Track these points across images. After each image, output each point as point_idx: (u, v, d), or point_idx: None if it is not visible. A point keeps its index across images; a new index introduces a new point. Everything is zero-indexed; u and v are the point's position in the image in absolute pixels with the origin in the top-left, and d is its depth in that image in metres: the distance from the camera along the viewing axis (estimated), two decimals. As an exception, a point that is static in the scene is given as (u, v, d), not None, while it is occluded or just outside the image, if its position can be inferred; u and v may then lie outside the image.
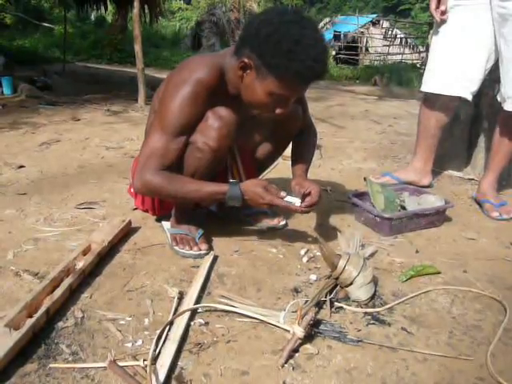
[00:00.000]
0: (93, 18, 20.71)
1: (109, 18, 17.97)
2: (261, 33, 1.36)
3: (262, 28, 1.36)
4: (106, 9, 10.10)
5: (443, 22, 2.32)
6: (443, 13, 2.29)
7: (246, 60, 1.41)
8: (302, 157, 1.87)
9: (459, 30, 2.28)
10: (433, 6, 2.30)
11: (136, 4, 5.34)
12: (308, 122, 1.91)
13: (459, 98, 2.36)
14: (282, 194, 1.56)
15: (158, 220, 1.91)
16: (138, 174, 1.53)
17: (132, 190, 1.87)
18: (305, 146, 1.90)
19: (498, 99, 2.22)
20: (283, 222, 1.97)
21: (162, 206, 1.83)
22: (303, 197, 1.64)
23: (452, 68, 2.33)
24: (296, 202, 1.58)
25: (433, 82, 2.42)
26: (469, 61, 2.29)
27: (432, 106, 2.47)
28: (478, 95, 2.44)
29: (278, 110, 1.50)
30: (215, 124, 1.52)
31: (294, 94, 1.48)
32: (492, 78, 2.40)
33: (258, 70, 1.41)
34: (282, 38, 1.33)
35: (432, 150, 2.58)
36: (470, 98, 2.35)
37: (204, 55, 1.72)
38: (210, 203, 1.65)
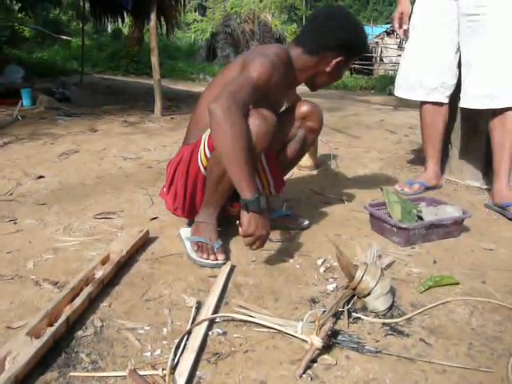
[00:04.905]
0: (109, 30, 21.04)
1: (125, 30, 18.23)
2: (352, 38, 1.80)
3: (352, 33, 1.80)
4: (122, 21, 10.18)
5: (407, 38, 2.58)
6: (405, 32, 2.55)
7: (341, 58, 1.80)
8: None
9: (422, 35, 2.50)
10: (396, 25, 2.58)
11: (153, 16, 5.42)
12: None
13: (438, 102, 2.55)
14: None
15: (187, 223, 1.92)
16: (224, 98, 1.48)
17: (164, 189, 1.88)
18: None
19: None
20: (306, 222, 2.04)
21: (191, 208, 1.84)
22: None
23: (413, 73, 2.55)
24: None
25: (398, 87, 2.65)
26: (433, 64, 2.48)
27: (422, 110, 2.64)
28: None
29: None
30: (257, 121, 1.57)
31: None
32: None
33: (348, 59, 1.85)
34: (360, 35, 1.84)
35: (434, 151, 2.68)
36: (433, 99, 2.53)
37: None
38: (230, 185, 1.61)
